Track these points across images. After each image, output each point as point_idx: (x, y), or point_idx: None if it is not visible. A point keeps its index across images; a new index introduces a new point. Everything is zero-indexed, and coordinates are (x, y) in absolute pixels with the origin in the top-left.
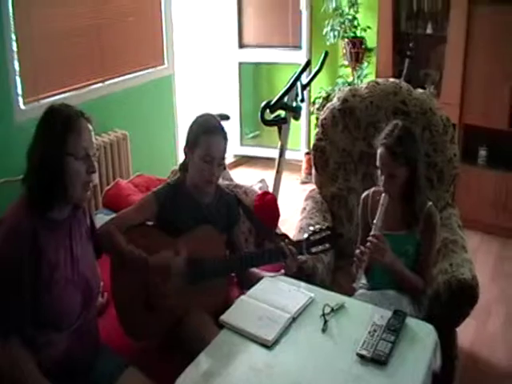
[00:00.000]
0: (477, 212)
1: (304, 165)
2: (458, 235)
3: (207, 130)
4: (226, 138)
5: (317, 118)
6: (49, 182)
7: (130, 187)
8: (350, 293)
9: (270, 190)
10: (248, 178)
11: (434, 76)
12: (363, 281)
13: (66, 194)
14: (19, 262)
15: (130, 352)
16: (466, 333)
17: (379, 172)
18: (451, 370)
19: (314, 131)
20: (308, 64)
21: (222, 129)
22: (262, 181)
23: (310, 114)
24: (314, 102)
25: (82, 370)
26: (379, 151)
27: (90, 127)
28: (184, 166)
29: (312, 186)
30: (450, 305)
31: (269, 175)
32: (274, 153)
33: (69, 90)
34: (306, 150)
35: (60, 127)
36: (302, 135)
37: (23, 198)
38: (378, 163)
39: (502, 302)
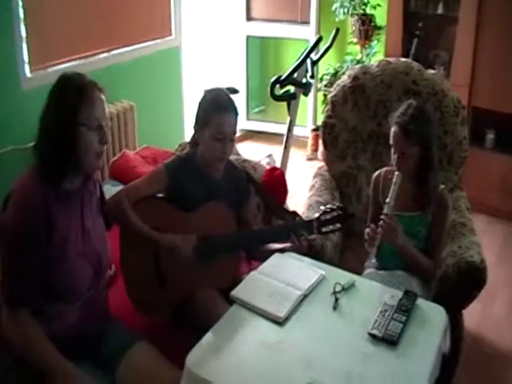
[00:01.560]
0: (483, 195)
1: (310, 141)
2: (467, 218)
3: (218, 107)
4: (236, 113)
5: (324, 95)
6: (61, 152)
7: (137, 159)
8: (358, 271)
9: (278, 165)
10: (254, 153)
11: (444, 57)
12: (373, 260)
13: (78, 164)
14: (33, 233)
15: (138, 326)
16: (472, 315)
17: (392, 150)
18: (457, 352)
19: (320, 108)
20: (319, 40)
21: (233, 104)
22: (270, 156)
23: (317, 90)
24: (321, 79)
25: (92, 343)
26: (392, 129)
27: (103, 97)
28: (194, 141)
29: (318, 163)
30: (457, 287)
31: (274, 150)
32: (279, 128)
33: (75, 59)
34: (313, 127)
35: (73, 97)
36: (308, 112)
37: (34, 167)
38: (391, 141)
39: (507, 286)
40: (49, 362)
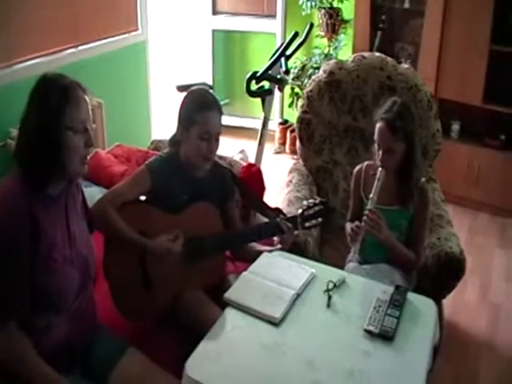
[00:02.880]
0: (449, 184)
1: (277, 135)
2: (443, 209)
3: (202, 107)
4: (220, 111)
5: (291, 88)
6: (46, 157)
7: (109, 158)
8: (338, 264)
9: (250, 160)
10: (223, 148)
11: (409, 50)
12: (356, 254)
13: (63, 169)
14: (18, 242)
15: (125, 331)
16: (444, 303)
17: (376, 147)
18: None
19: (287, 101)
20: (295, 36)
21: (217, 102)
22: (243, 151)
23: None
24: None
25: (81, 353)
26: (378, 125)
27: (87, 98)
28: (175, 140)
29: (286, 157)
30: (438, 278)
31: (242, 144)
32: (246, 122)
33: (41, 56)
34: (280, 120)
35: (57, 99)
36: (275, 105)
37: (16, 172)
38: (375, 137)
39: (476, 273)
40: (37, 375)
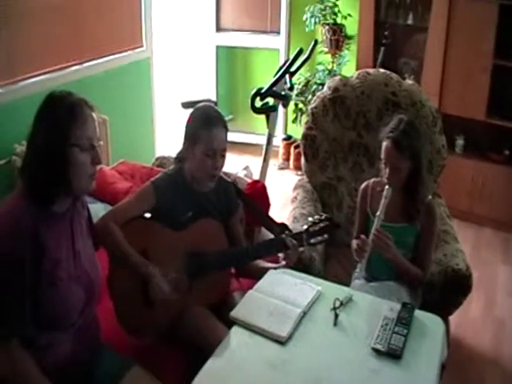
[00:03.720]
0: (453, 199)
1: (281, 150)
2: (448, 225)
3: (208, 123)
4: (226, 128)
5: (295, 104)
6: (53, 174)
7: (114, 175)
8: (343, 280)
9: (255, 177)
10: (227, 164)
11: (413, 65)
12: (362, 272)
13: (70, 187)
14: (21, 261)
15: (129, 348)
16: (450, 318)
17: (383, 165)
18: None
19: (291, 117)
20: (300, 53)
21: (222, 119)
22: (247, 168)
23: None
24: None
25: (85, 371)
26: (385, 144)
27: (94, 115)
28: (180, 157)
29: (289, 172)
30: (444, 294)
31: (246, 160)
32: (249, 138)
33: (46, 73)
34: (284, 136)
35: (64, 116)
36: (279, 121)
37: (21, 190)
38: (382, 156)
39: (480, 289)
40: None
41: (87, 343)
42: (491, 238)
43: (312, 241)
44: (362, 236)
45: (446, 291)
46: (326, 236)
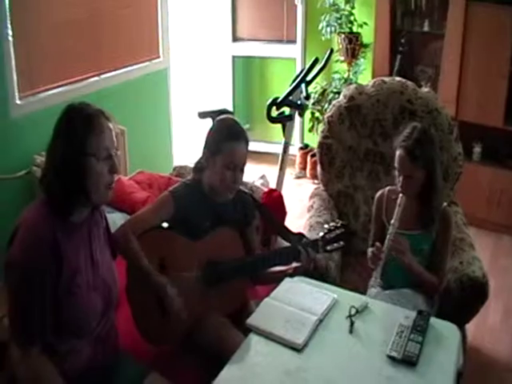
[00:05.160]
0: (471, 207)
1: (298, 159)
2: (465, 233)
3: (230, 137)
4: (247, 143)
5: (312, 113)
6: (71, 185)
7: (132, 184)
8: (359, 289)
9: (271, 186)
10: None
11: (429, 73)
12: (378, 279)
13: (88, 196)
14: (42, 269)
15: (147, 356)
16: (467, 327)
17: (397, 173)
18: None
19: (307, 125)
20: (316, 62)
21: (244, 134)
22: (263, 177)
23: None
24: (308, 97)
25: (104, 378)
26: (398, 153)
27: (111, 126)
28: (199, 167)
29: (306, 181)
30: (461, 302)
31: (263, 169)
32: (266, 147)
33: (65, 84)
34: (300, 145)
35: (81, 127)
36: (296, 130)
37: (41, 200)
38: (396, 165)
39: (499, 297)
40: None
41: (106, 350)
42: (510, 246)
43: (328, 248)
44: (377, 243)
45: (462, 299)
46: (341, 243)
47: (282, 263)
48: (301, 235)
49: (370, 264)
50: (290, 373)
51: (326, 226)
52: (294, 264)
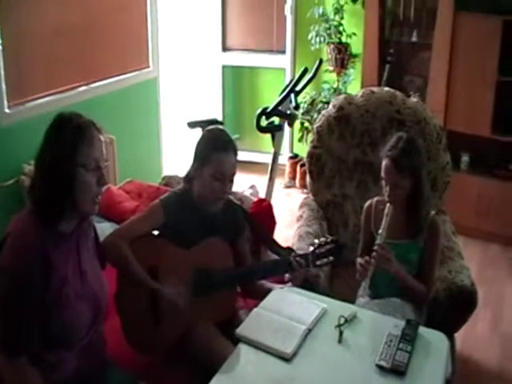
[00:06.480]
0: (459, 216)
1: (287, 169)
2: (453, 242)
3: (218, 147)
4: (236, 153)
5: (301, 123)
6: (58, 194)
7: (121, 194)
8: (348, 298)
9: (261, 195)
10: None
11: (418, 83)
12: (366, 289)
13: (75, 207)
14: (30, 279)
15: (135, 365)
16: (456, 336)
17: (383, 183)
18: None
19: (297, 135)
20: (305, 72)
21: (233, 144)
22: (253, 187)
23: None
24: (297, 107)
25: None
26: (384, 163)
27: (101, 137)
28: (189, 177)
29: (296, 191)
30: (449, 311)
31: (253, 179)
32: (256, 157)
33: (54, 93)
34: (290, 155)
35: (71, 137)
36: (285, 140)
37: (29, 209)
38: (382, 174)
39: (487, 306)
40: None
41: (93, 360)
42: (498, 255)
43: (318, 263)
44: (366, 257)
45: (450, 308)
46: (331, 258)
47: (271, 275)
48: (290, 250)
49: (357, 277)
50: (279, 382)
51: (316, 240)
52: (289, 284)
